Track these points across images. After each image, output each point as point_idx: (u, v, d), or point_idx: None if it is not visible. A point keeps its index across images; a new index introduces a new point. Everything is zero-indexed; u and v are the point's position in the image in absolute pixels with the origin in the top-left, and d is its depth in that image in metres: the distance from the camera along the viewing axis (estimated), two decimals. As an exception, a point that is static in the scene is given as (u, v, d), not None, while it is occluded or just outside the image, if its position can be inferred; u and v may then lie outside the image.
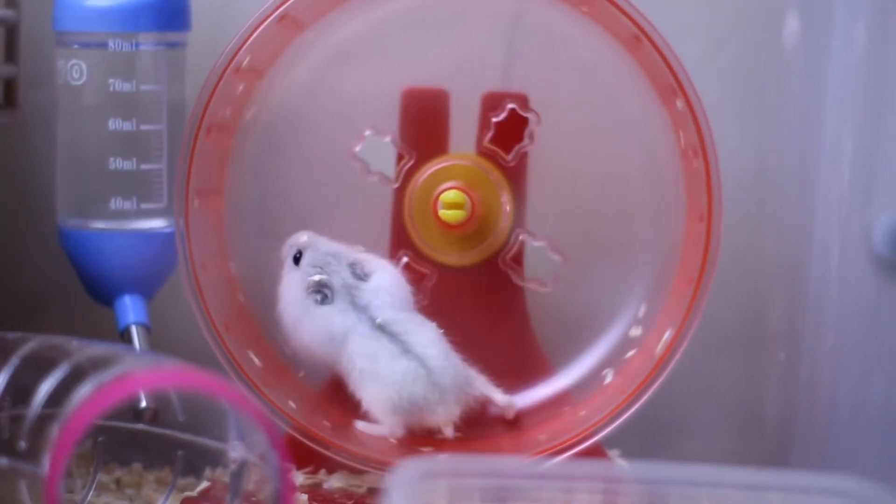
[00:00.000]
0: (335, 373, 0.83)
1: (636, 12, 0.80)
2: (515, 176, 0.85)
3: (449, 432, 0.81)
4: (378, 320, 0.81)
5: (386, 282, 0.82)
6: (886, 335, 0.89)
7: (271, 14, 0.81)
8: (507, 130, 0.85)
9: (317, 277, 0.81)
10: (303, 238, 0.83)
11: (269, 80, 0.85)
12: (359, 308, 0.81)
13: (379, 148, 0.85)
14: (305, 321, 0.82)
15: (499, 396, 0.83)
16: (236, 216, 0.87)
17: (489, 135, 0.85)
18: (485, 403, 0.83)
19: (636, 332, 0.86)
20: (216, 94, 0.82)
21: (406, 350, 0.80)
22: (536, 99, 0.85)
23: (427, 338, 0.81)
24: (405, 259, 0.85)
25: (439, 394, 0.80)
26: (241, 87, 0.84)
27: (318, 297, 0.82)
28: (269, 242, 0.85)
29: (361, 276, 0.82)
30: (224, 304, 0.84)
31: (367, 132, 0.85)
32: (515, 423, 0.85)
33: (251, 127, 0.86)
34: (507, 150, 0.85)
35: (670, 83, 0.80)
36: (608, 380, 0.85)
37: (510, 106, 0.84)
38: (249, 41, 0.81)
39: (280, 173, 0.87)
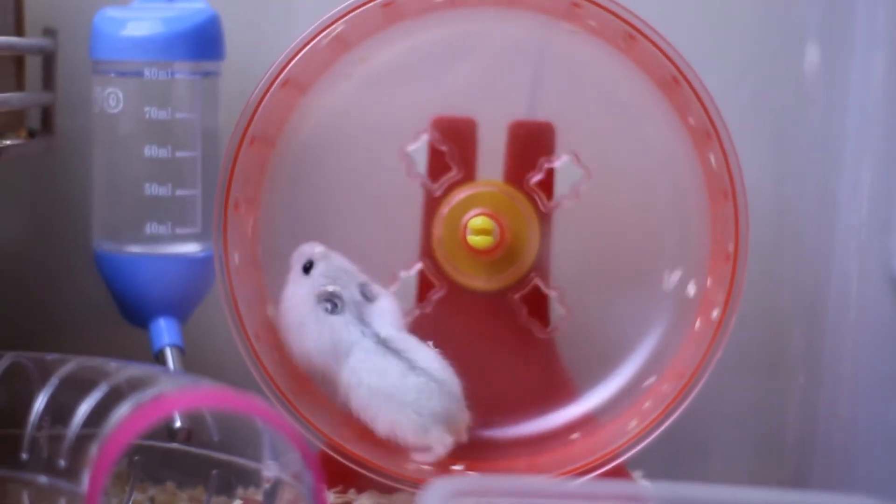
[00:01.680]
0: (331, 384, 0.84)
1: (675, 54, 0.81)
2: (536, 191, 0.87)
3: (464, 438, 0.82)
4: (382, 335, 0.82)
5: (390, 305, 0.84)
6: (904, 358, 0.90)
7: (275, 79, 0.83)
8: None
9: (331, 288, 0.83)
10: (316, 249, 0.84)
11: (308, 100, 0.87)
12: (364, 323, 0.83)
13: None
14: (311, 328, 0.83)
15: None
16: (271, 232, 0.88)
17: (537, 176, 0.86)
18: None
19: (660, 357, 0.87)
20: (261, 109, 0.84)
21: (412, 367, 0.81)
22: (562, 128, 0.86)
23: (426, 353, 0.82)
24: (419, 266, 0.87)
25: (456, 402, 0.81)
26: (283, 104, 0.86)
27: (329, 305, 0.83)
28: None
29: (369, 298, 0.84)
30: (256, 319, 0.86)
31: (424, 135, 0.86)
32: (540, 445, 0.86)
33: (289, 146, 0.88)
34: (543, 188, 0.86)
35: (702, 118, 0.82)
36: (633, 403, 0.86)
37: (565, 156, 0.85)
38: (261, 108, 0.83)
39: (313, 193, 0.88)
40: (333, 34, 0.83)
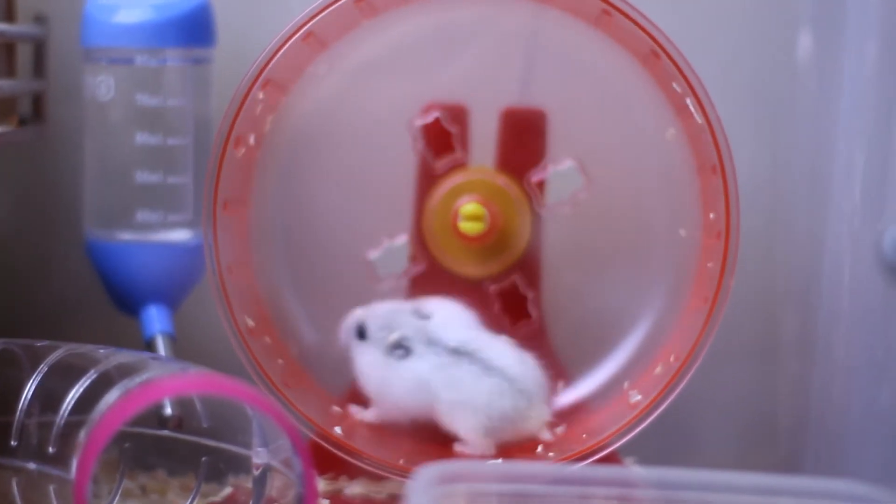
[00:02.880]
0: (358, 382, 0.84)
1: (653, 27, 0.81)
2: (534, 189, 0.86)
3: (546, 435, 0.83)
4: (452, 344, 0.82)
5: (448, 312, 0.84)
6: (896, 343, 0.90)
7: (296, 32, 0.82)
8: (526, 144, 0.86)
9: (394, 336, 0.82)
10: (357, 314, 0.83)
11: (293, 95, 0.87)
12: (433, 342, 0.82)
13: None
14: (394, 381, 0.82)
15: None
16: (261, 226, 0.88)
17: (537, 175, 0.86)
18: None
19: (653, 341, 0.86)
20: (242, 111, 0.83)
21: (487, 367, 0.81)
22: (553, 113, 0.86)
23: (499, 349, 0.82)
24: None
25: (527, 400, 0.81)
26: (265, 105, 0.85)
27: (401, 352, 0.82)
28: (291, 250, 0.87)
29: (426, 316, 0.83)
30: (248, 309, 0.86)
31: (385, 240, 0.86)
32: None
33: (276, 140, 0.87)
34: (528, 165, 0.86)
35: (685, 95, 0.81)
36: (625, 389, 0.86)
37: (570, 162, 0.85)
38: (274, 59, 0.82)
39: (304, 185, 0.88)
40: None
